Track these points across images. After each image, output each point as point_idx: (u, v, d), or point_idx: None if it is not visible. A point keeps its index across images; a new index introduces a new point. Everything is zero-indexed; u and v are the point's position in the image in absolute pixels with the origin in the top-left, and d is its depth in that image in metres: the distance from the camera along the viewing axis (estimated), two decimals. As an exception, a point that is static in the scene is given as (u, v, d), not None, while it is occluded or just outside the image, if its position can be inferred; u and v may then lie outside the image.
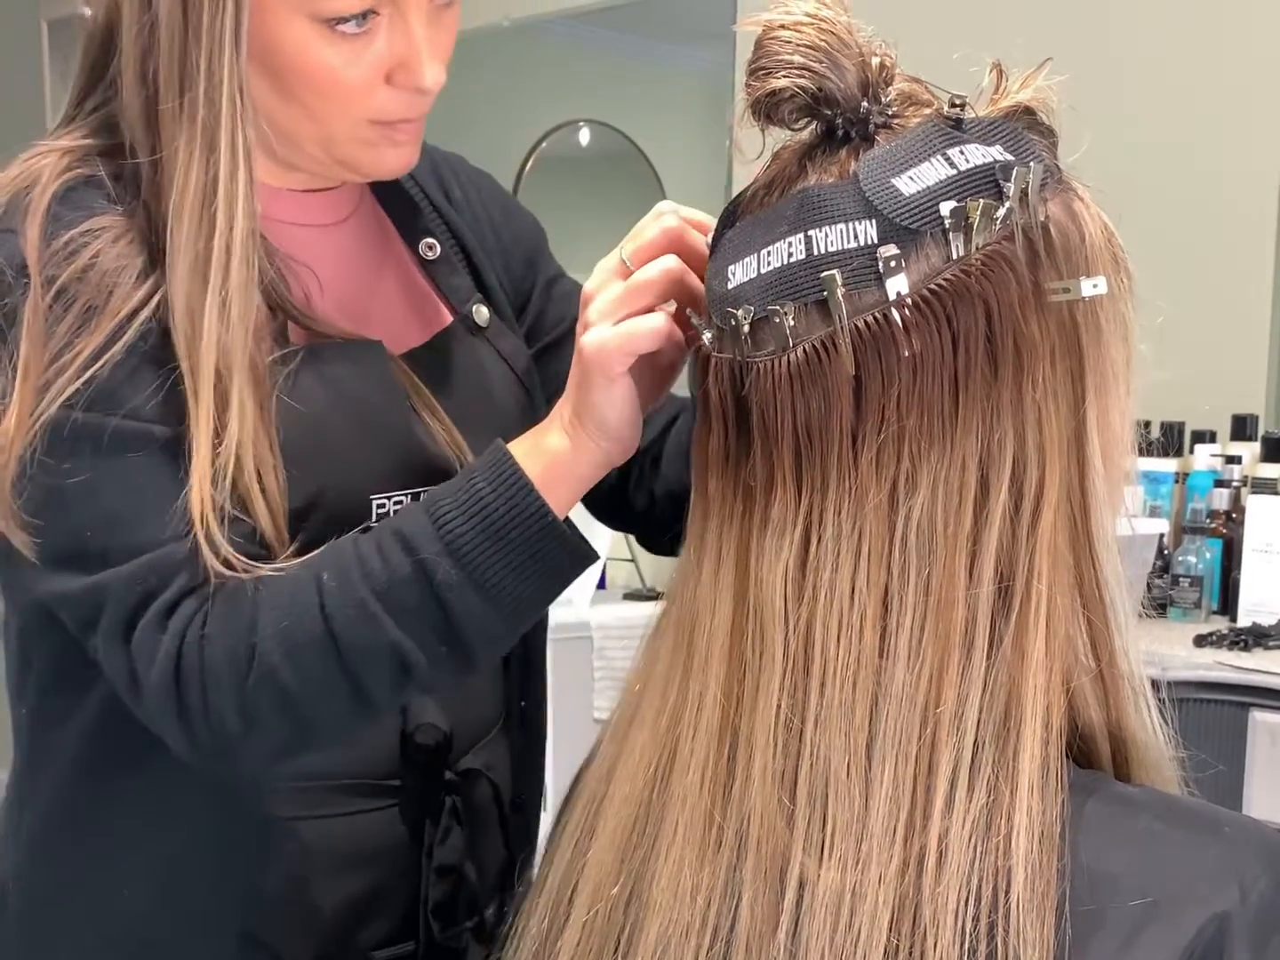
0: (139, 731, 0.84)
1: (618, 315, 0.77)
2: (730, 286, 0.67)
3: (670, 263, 0.77)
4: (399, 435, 0.92)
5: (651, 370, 0.79)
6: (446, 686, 0.88)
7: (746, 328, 0.65)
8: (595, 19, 3.66)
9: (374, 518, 0.89)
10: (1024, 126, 0.66)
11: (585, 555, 0.80)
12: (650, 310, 0.77)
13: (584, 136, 4.55)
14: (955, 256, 0.62)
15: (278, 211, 0.92)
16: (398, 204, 1.04)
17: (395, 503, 0.91)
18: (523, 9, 3.35)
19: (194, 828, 0.91)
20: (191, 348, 0.81)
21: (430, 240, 1.03)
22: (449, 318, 1.01)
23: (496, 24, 3.40)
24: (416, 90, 0.87)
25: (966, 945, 0.59)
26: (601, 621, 2.93)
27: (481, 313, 1.02)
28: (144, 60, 0.84)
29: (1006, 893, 0.59)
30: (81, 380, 0.80)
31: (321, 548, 0.82)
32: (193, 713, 0.80)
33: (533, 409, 1.01)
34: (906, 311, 0.62)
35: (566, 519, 0.81)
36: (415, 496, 0.91)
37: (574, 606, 2.89)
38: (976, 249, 0.62)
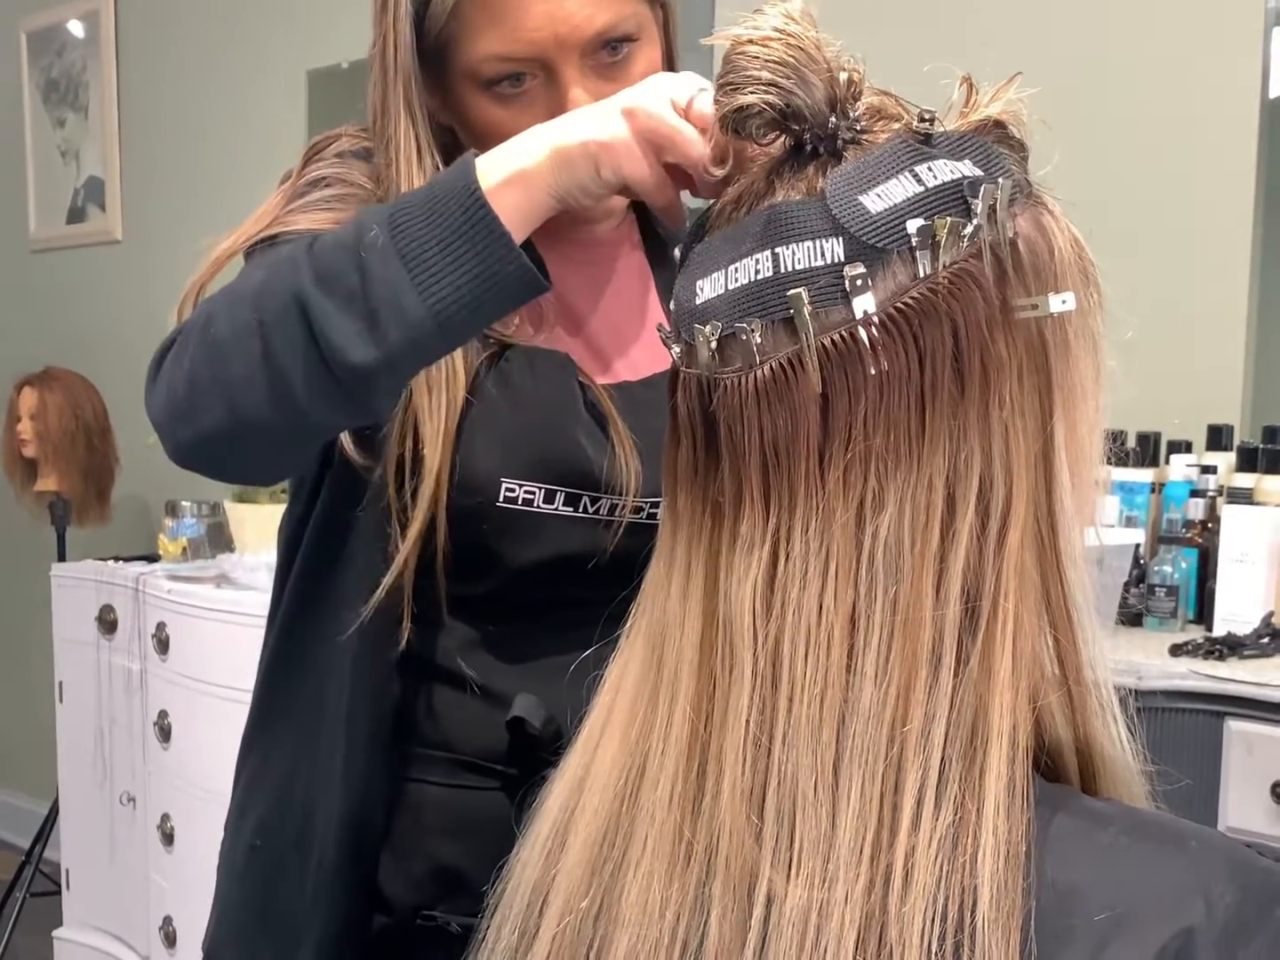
0: (305, 656, 1.03)
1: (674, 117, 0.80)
2: (698, 302, 0.67)
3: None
4: (555, 435, 1.00)
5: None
6: (370, 395, 0.85)
7: (714, 344, 0.66)
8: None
9: (500, 499, 0.99)
10: (994, 140, 0.66)
11: (522, 266, 0.80)
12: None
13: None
14: (922, 275, 0.62)
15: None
16: (656, 250, 1.13)
17: (526, 491, 0.99)
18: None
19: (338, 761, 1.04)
20: None
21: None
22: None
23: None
24: None
25: None
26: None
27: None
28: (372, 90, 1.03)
29: (972, 912, 0.59)
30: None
31: None
32: (160, 375, 0.88)
33: None
34: (873, 330, 0.62)
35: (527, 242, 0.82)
36: (548, 494, 0.99)
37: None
38: (944, 267, 0.62)
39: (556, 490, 1.01)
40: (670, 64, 1.07)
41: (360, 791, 1.04)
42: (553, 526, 1.01)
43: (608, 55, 0.98)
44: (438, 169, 1.00)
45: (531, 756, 0.99)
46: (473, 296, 0.79)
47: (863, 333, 0.62)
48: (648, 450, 1.00)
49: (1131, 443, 2.14)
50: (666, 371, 0.98)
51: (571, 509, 1.01)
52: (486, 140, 0.93)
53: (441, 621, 1.04)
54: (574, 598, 0.99)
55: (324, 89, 3.65)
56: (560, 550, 1.02)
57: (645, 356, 1.08)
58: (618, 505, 1.02)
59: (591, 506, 1.02)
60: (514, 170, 0.80)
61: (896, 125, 0.66)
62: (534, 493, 0.99)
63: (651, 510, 1.02)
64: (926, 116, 0.65)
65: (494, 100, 0.99)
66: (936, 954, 0.59)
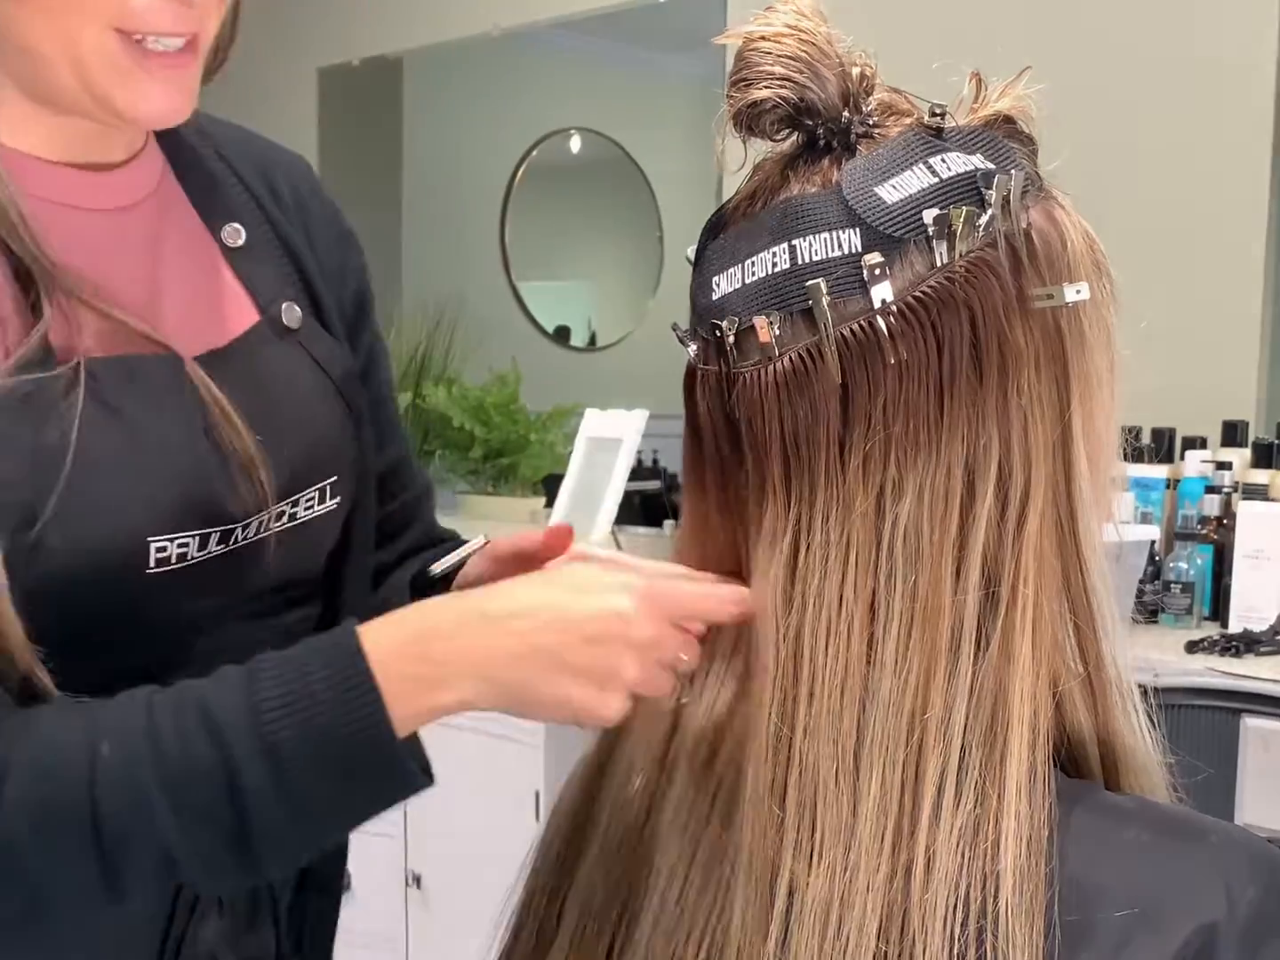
0: None
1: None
2: (715, 298, 0.67)
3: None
4: (184, 467, 0.79)
5: None
6: (226, 891, 0.78)
7: (731, 338, 0.66)
8: (585, 27, 3.67)
9: (152, 563, 0.77)
10: (1004, 135, 0.67)
11: (419, 785, 0.68)
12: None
13: (575, 144, 4.56)
14: (939, 264, 0.62)
15: (54, 191, 0.81)
16: (199, 183, 0.89)
17: (179, 545, 0.78)
18: (512, 18, 3.35)
19: None
20: None
21: (235, 226, 0.89)
22: (256, 316, 0.88)
23: (486, 33, 3.41)
24: None
25: (955, 950, 0.59)
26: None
27: (293, 312, 0.89)
28: None
29: (995, 898, 0.59)
30: None
31: (107, 700, 0.68)
32: None
33: (352, 422, 0.90)
34: (891, 319, 0.62)
35: (413, 736, 0.69)
36: (202, 540, 0.79)
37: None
38: (960, 256, 0.62)
39: (211, 532, 0.80)
40: None
41: None
42: (213, 570, 0.81)
43: None
44: None
45: None
46: (356, 821, 0.70)
47: (881, 322, 0.62)
48: (266, 435, 0.82)
49: (1146, 439, 2.13)
50: (252, 330, 0.86)
51: (224, 546, 0.81)
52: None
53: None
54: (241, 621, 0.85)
55: (335, 87, 3.66)
56: (229, 592, 0.84)
57: (218, 317, 0.87)
58: (265, 519, 0.84)
59: (243, 533, 0.82)
60: (443, 709, 0.67)
61: (908, 120, 0.67)
62: (188, 544, 0.79)
63: (300, 510, 0.86)
64: (938, 111, 0.66)
65: None
66: (960, 940, 0.59)
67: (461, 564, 0.93)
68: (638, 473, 2.93)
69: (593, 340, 4.64)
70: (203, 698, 0.67)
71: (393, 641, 0.67)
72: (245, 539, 0.83)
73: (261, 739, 0.65)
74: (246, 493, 0.81)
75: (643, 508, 3.51)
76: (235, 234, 0.89)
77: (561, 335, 4.56)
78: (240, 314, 0.87)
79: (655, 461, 3.83)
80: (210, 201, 0.89)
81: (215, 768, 0.65)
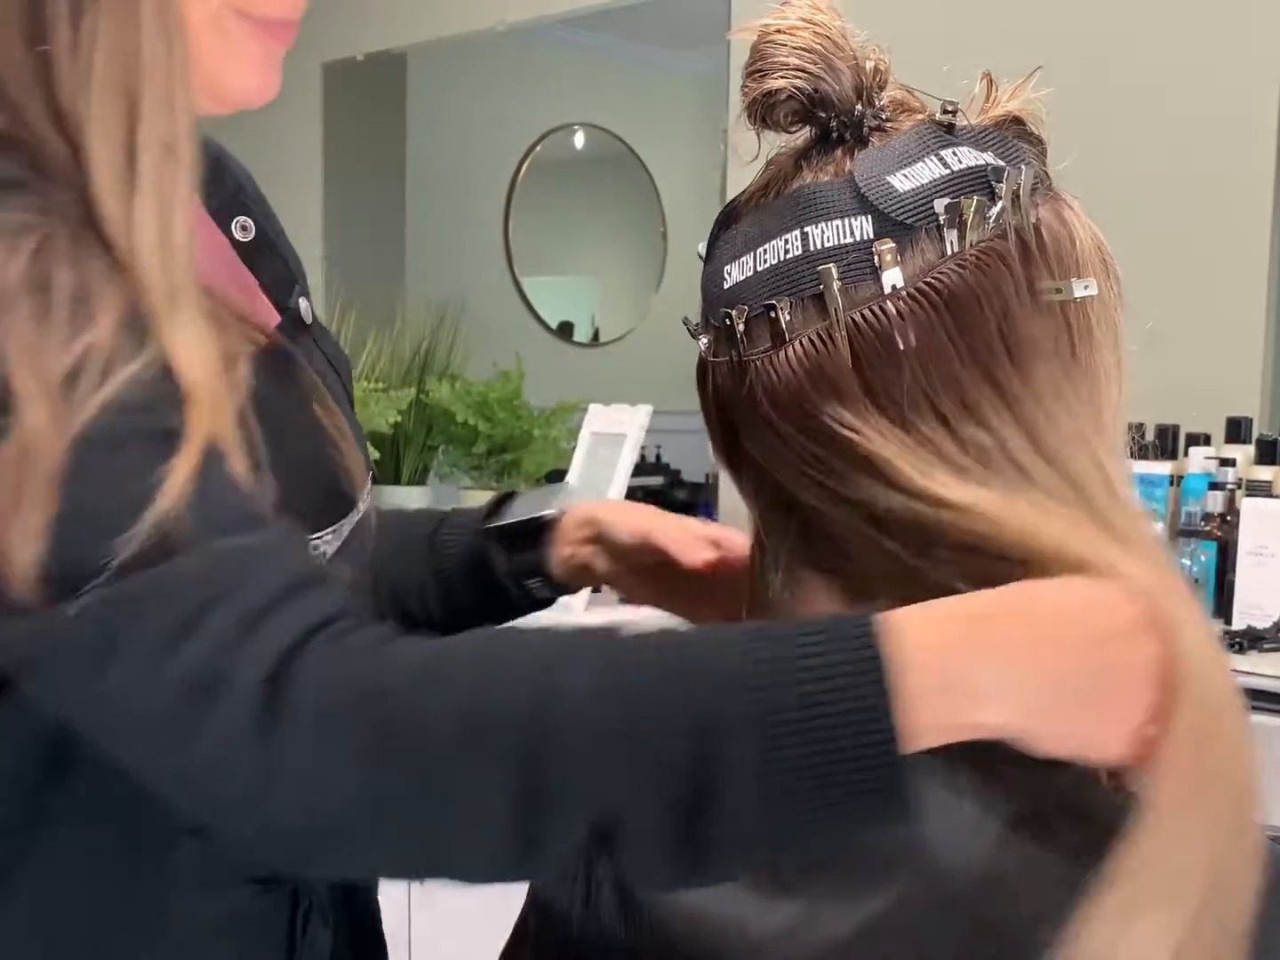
0: None
1: None
2: (726, 286, 0.68)
3: None
4: (321, 459, 0.75)
5: None
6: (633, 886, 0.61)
7: (742, 326, 0.66)
8: (590, 23, 3.67)
9: None
10: (1013, 135, 0.67)
11: (898, 817, 0.54)
12: None
13: (579, 140, 4.55)
14: (950, 252, 0.63)
15: None
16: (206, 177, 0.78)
17: (325, 544, 0.73)
18: (517, 13, 3.35)
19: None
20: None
21: (244, 220, 0.84)
22: (277, 315, 0.83)
23: (491, 28, 3.40)
24: None
25: None
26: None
27: (306, 307, 0.84)
28: None
29: None
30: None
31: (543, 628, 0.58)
32: (280, 774, 0.54)
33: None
34: (902, 304, 0.63)
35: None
36: (336, 533, 0.74)
37: (570, 611, 2.89)
38: (971, 245, 0.63)
39: (343, 524, 0.76)
40: None
41: None
42: (338, 563, 0.75)
43: None
44: None
45: None
46: (817, 836, 0.56)
47: (891, 306, 0.63)
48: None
49: (1150, 435, 2.13)
50: (281, 321, 0.80)
51: (339, 539, 0.76)
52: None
53: None
54: None
55: (339, 81, 3.66)
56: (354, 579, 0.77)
57: (254, 305, 0.81)
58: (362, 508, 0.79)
59: (348, 529, 0.77)
60: (974, 725, 0.53)
61: (919, 117, 0.67)
62: (330, 542, 0.74)
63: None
64: (949, 108, 0.67)
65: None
66: None
67: (530, 526, 0.94)
68: (641, 468, 2.93)
69: (596, 336, 4.64)
70: (685, 638, 0.56)
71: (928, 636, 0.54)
72: (351, 529, 0.77)
73: (757, 702, 0.52)
74: (359, 478, 0.78)
75: (647, 503, 3.52)
76: (244, 229, 0.84)
77: (565, 331, 4.56)
78: (265, 310, 0.83)
79: (659, 457, 3.84)
80: (216, 195, 0.83)
81: (695, 724, 0.52)
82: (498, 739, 0.52)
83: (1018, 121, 0.68)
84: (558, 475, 2.75)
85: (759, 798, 0.52)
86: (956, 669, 0.53)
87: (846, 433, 0.63)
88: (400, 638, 0.57)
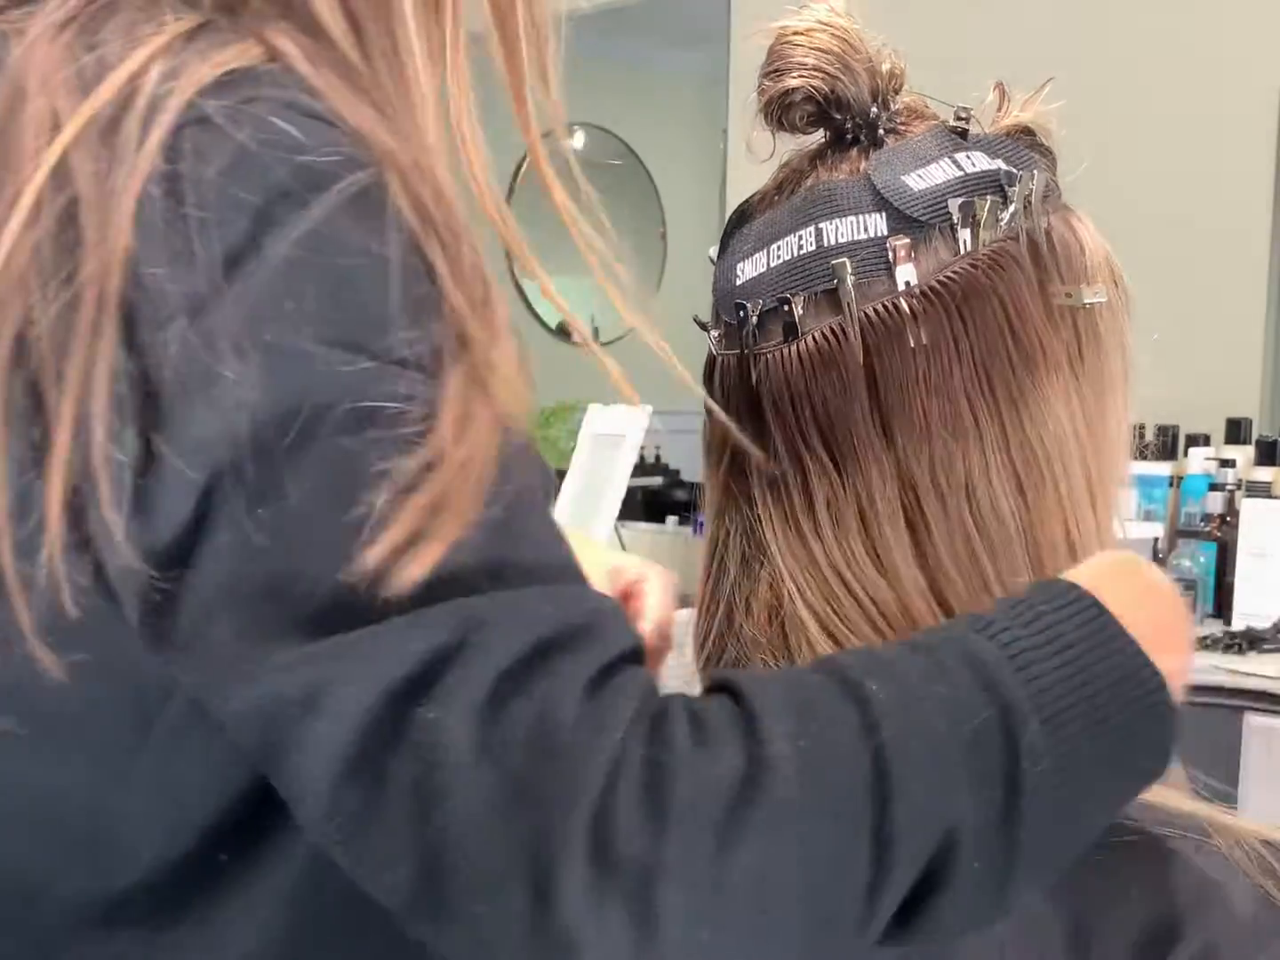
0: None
1: None
2: (739, 282, 0.68)
3: None
4: None
5: None
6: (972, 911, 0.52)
7: (755, 320, 0.66)
8: (590, 23, 3.67)
9: None
10: (1025, 145, 0.68)
11: (1172, 743, 0.55)
12: None
13: (578, 140, 4.55)
14: (963, 251, 0.63)
15: None
16: None
17: None
18: (517, 12, 3.35)
19: None
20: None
21: None
22: None
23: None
24: None
25: None
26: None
27: None
28: None
29: None
30: None
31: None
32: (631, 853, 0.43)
33: None
34: (915, 301, 0.63)
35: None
36: None
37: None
38: (983, 245, 0.63)
39: None
40: None
41: None
42: None
43: None
44: None
45: None
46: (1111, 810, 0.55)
47: (904, 303, 0.63)
48: None
49: (1150, 436, 2.13)
50: None
51: None
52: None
53: None
54: None
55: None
56: None
57: None
58: None
59: None
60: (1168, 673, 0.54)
61: (933, 123, 0.68)
62: None
63: None
64: (962, 115, 0.67)
65: None
66: None
67: None
68: (641, 468, 2.93)
69: (596, 336, 4.62)
70: (947, 635, 0.53)
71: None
72: None
73: (1027, 683, 0.50)
74: None
75: (646, 503, 3.52)
76: None
77: (564, 331, 4.56)
78: None
79: (658, 458, 3.84)
80: None
81: (994, 717, 0.49)
82: (838, 770, 0.47)
83: (1029, 132, 0.68)
84: (557, 476, 2.75)
85: (1056, 785, 0.50)
86: (1146, 621, 0.54)
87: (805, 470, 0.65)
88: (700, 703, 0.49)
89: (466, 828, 0.43)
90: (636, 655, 0.48)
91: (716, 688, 0.49)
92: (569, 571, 0.50)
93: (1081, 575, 0.55)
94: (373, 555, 0.44)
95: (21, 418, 0.47)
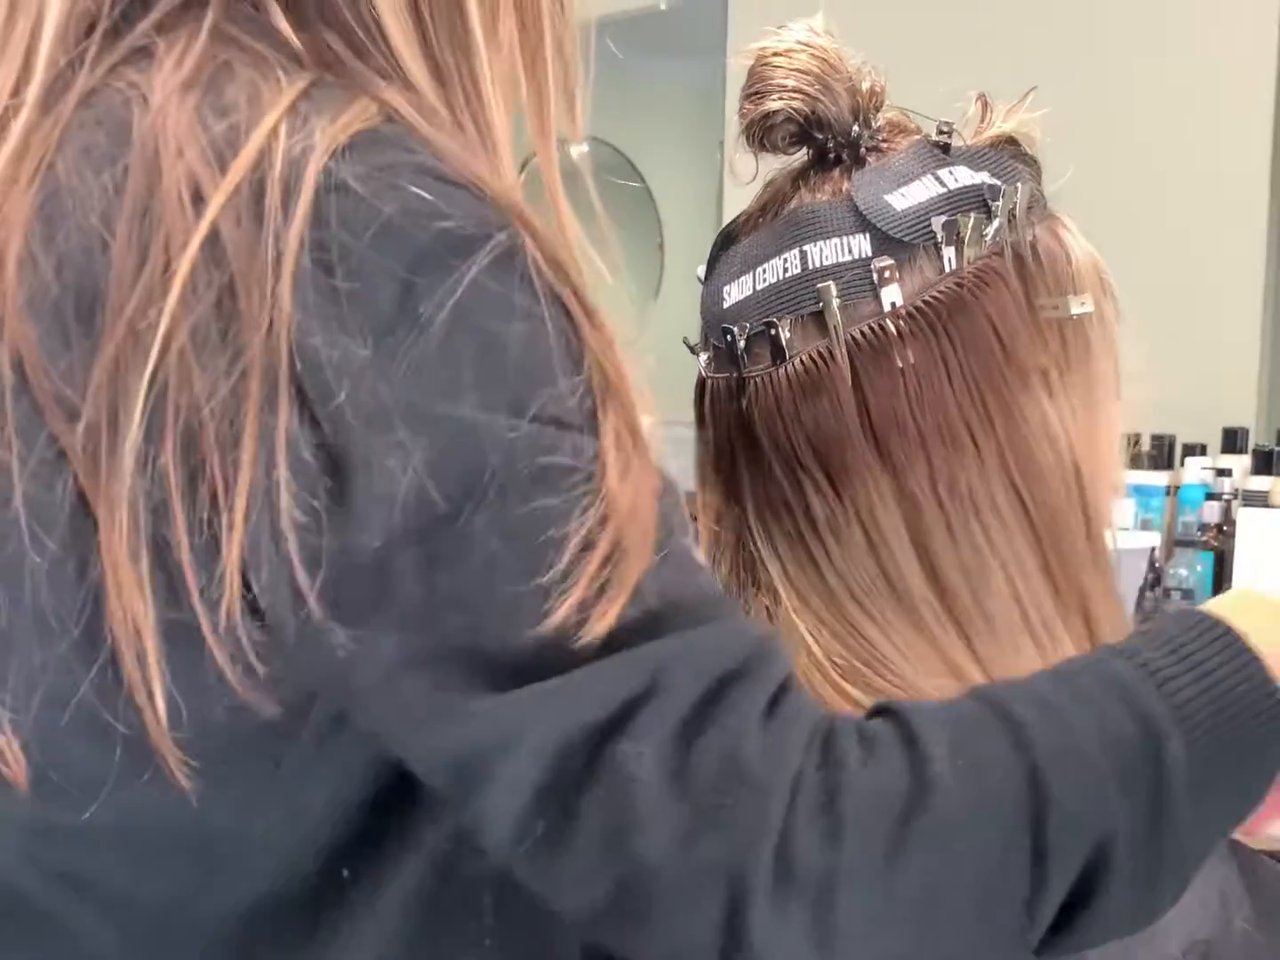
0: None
1: None
2: (726, 306, 0.68)
3: None
4: None
5: None
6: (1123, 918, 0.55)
7: (742, 344, 0.66)
8: (586, 34, 3.67)
9: None
10: (1009, 156, 0.68)
11: None
12: None
13: (576, 150, 4.55)
14: (948, 269, 0.63)
15: None
16: None
17: None
18: (514, 24, 3.36)
19: None
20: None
21: None
22: None
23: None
24: None
25: None
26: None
27: None
28: None
29: None
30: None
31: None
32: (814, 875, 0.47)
33: None
34: (901, 322, 0.63)
35: None
36: None
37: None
38: (968, 263, 0.63)
39: None
40: None
41: None
42: None
43: None
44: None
45: None
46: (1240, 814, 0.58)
47: (891, 324, 0.63)
48: None
49: (1146, 445, 2.13)
50: None
51: None
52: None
53: None
54: None
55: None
56: None
57: None
58: None
59: None
60: None
61: (915, 137, 0.68)
62: None
63: None
64: (945, 129, 0.67)
65: None
66: None
67: None
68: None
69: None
70: (1086, 663, 0.56)
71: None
72: None
73: (1168, 699, 0.53)
74: None
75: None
76: None
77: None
78: None
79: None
80: None
81: (1137, 734, 0.52)
82: (999, 797, 0.50)
83: (1012, 142, 0.69)
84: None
85: (1197, 797, 0.53)
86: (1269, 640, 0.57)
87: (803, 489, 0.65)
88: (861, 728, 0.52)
89: (663, 854, 0.47)
90: (795, 676, 0.51)
91: (877, 712, 0.52)
92: (723, 604, 0.53)
93: (1209, 605, 0.59)
94: (561, 612, 0.47)
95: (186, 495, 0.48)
